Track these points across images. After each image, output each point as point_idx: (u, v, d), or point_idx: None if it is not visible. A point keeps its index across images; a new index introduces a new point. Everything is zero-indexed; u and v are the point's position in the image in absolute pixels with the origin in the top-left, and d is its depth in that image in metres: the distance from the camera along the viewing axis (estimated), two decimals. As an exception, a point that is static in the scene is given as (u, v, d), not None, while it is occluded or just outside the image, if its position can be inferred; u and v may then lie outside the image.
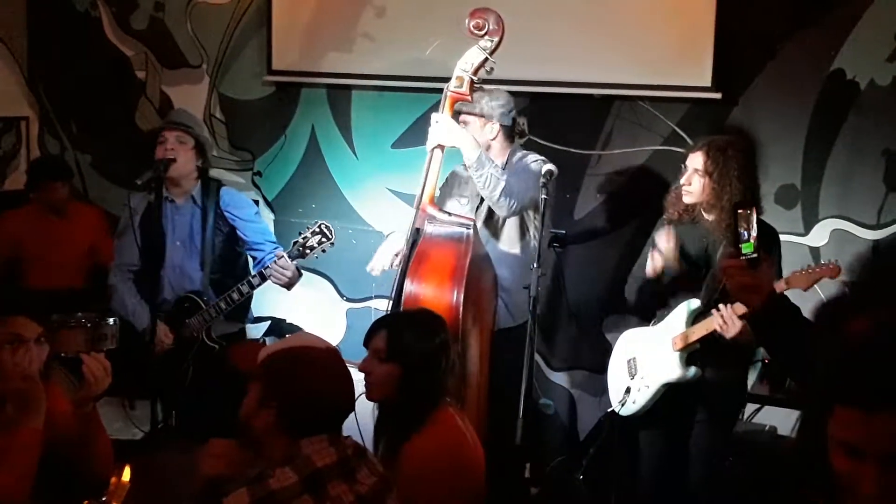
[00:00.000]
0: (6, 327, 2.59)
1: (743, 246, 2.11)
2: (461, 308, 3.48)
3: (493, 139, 3.96)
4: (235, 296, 4.10)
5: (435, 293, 3.52)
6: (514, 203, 3.75)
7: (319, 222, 4.03)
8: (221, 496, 2.09)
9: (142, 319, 4.14)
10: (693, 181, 3.70)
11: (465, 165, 3.79)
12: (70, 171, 5.12)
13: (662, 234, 3.79)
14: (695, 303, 3.74)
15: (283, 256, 4.04)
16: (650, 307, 3.91)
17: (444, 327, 2.96)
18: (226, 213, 4.28)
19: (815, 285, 4.11)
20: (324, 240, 4.01)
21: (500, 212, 3.80)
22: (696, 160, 3.70)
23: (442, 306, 3.39)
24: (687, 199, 3.73)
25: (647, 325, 3.88)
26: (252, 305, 4.54)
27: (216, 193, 4.30)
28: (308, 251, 4.02)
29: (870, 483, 1.36)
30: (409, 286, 3.56)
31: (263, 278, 4.07)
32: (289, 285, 4.18)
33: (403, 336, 2.83)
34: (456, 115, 3.93)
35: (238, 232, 4.30)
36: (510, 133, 4.02)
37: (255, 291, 4.18)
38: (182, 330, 4.16)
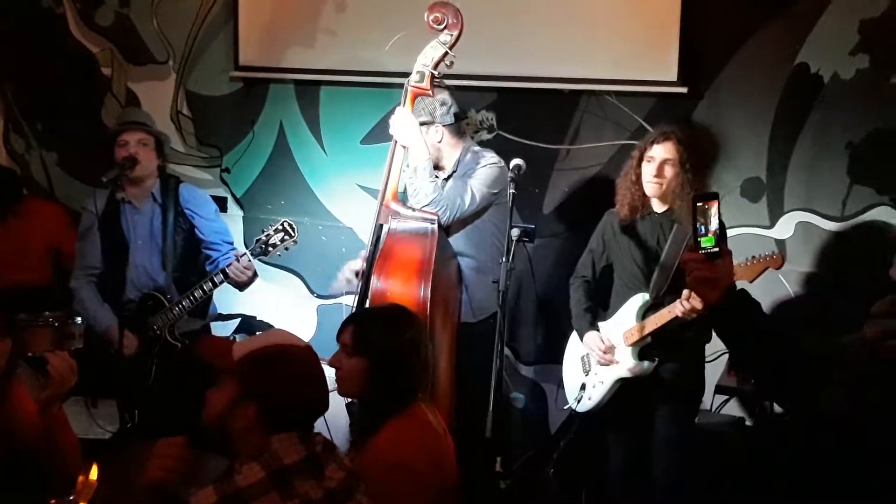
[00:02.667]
0: None
1: (702, 240, 2.07)
2: (429, 303, 3.49)
3: (440, 142, 3.98)
4: (198, 293, 4.11)
5: (402, 289, 3.54)
6: (443, 215, 3.76)
7: (283, 220, 4.04)
8: (171, 498, 2.09)
9: (103, 321, 4.16)
10: (665, 171, 3.71)
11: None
12: (16, 189, 4.98)
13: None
14: (645, 296, 3.77)
15: (244, 255, 4.04)
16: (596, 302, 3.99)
17: (413, 322, 2.96)
18: (185, 211, 4.31)
19: (785, 281, 4.20)
20: (286, 237, 4.02)
21: None
22: (664, 150, 3.71)
23: (409, 302, 3.40)
24: (654, 191, 3.75)
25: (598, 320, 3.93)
26: (220, 302, 4.55)
27: (175, 190, 4.32)
28: (270, 248, 4.02)
29: None
30: (375, 283, 3.57)
31: (227, 276, 4.07)
32: (243, 286, 4.18)
33: (370, 330, 2.83)
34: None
35: (195, 230, 4.32)
36: (457, 130, 4.04)
37: (217, 289, 4.19)
38: (145, 329, 4.16)
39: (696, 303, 3.44)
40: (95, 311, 4.20)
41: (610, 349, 3.81)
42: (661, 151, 3.72)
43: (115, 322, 4.12)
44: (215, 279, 4.08)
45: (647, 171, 3.73)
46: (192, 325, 4.28)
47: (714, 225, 2.07)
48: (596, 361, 3.88)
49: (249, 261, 4.06)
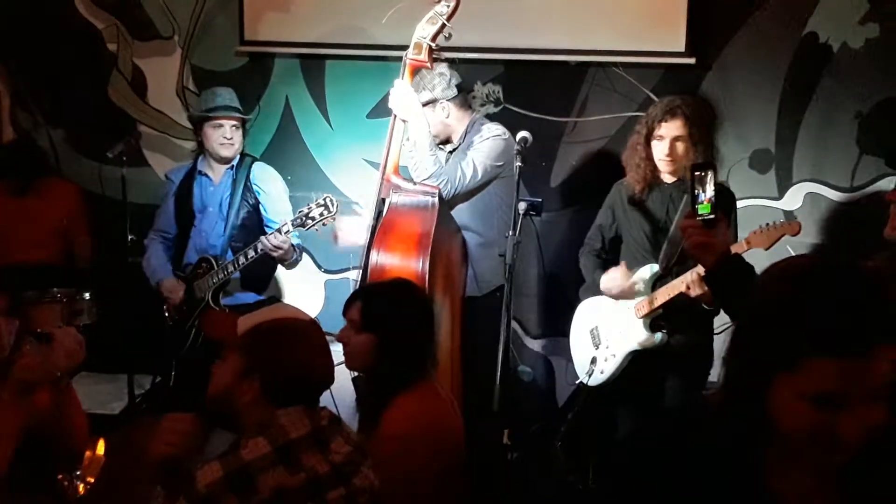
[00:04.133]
0: None
1: (699, 207, 2.16)
2: (427, 276, 3.48)
3: (448, 117, 3.96)
4: (242, 259, 4.20)
5: (401, 262, 3.53)
6: (444, 188, 3.74)
7: (326, 195, 4.07)
8: (179, 473, 2.10)
9: (158, 274, 4.38)
10: (677, 149, 3.68)
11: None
12: (38, 162, 5.04)
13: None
14: (654, 267, 3.75)
15: (285, 224, 4.10)
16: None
17: (419, 296, 2.96)
18: (254, 187, 4.45)
19: (793, 252, 4.17)
20: (325, 213, 4.06)
21: None
22: (674, 128, 3.66)
23: (408, 275, 3.39)
24: (667, 168, 3.72)
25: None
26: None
27: (248, 167, 4.47)
28: (309, 221, 4.07)
29: (852, 428, 1.35)
30: (374, 256, 3.57)
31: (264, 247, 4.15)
32: (283, 261, 4.30)
33: (377, 305, 2.84)
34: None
35: (260, 206, 4.46)
36: (463, 102, 4.02)
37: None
38: (192, 290, 4.32)
39: (697, 283, 3.46)
40: (156, 264, 4.40)
41: (631, 284, 3.76)
42: (671, 129, 3.67)
43: (169, 276, 4.35)
44: (257, 247, 4.16)
45: (659, 149, 3.69)
46: (246, 298, 4.40)
47: (710, 192, 2.15)
48: (609, 332, 3.86)
49: (287, 233, 4.11)
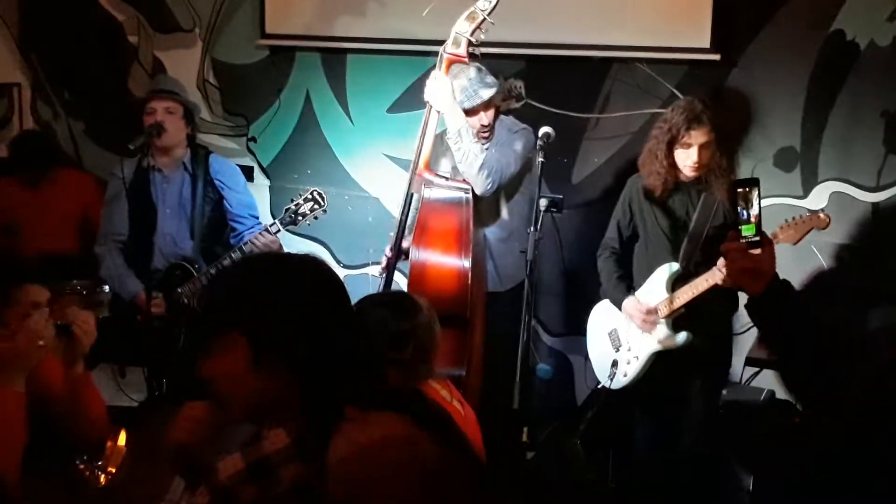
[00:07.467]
0: (26, 296, 2.58)
1: (743, 228, 1.97)
2: (470, 272, 3.46)
3: (500, 107, 3.98)
4: (227, 263, 4.10)
5: (442, 259, 3.51)
6: (491, 181, 3.71)
7: (312, 189, 4.03)
8: (195, 462, 2.09)
9: (130, 288, 4.16)
10: (703, 157, 3.64)
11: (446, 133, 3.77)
12: (49, 152, 5.02)
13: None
14: (674, 266, 3.71)
15: (274, 224, 4.04)
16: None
17: (416, 310, 2.89)
18: (215, 181, 4.31)
19: (818, 252, 4.13)
20: (316, 206, 4.02)
21: (476, 188, 3.73)
22: (702, 135, 3.62)
23: (450, 272, 3.38)
24: (694, 174, 3.69)
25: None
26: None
27: (205, 160, 4.32)
28: (300, 218, 4.02)
29: None
30: (414, 253, 3.54)
31: (254, 247, 4.07)
32: None
33: (370, 316, 2.80)
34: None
35: (224, 201, 4.32)
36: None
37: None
38: (174, 298, 4.16)
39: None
40: (122, 278, 4.21)
41: (652, 311, 3.74)
42: (698, 137, 3.62)
43: (141, 288, 4.12)
44: (244, 248, 4.09)
45: (688, 157, 3.64)
46: None
47: (756, 210, 1.97)
48: (630, 333, 3.83)
49: (277, 233, 4.05)
